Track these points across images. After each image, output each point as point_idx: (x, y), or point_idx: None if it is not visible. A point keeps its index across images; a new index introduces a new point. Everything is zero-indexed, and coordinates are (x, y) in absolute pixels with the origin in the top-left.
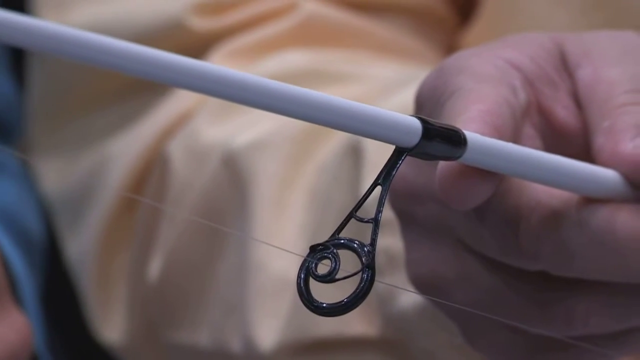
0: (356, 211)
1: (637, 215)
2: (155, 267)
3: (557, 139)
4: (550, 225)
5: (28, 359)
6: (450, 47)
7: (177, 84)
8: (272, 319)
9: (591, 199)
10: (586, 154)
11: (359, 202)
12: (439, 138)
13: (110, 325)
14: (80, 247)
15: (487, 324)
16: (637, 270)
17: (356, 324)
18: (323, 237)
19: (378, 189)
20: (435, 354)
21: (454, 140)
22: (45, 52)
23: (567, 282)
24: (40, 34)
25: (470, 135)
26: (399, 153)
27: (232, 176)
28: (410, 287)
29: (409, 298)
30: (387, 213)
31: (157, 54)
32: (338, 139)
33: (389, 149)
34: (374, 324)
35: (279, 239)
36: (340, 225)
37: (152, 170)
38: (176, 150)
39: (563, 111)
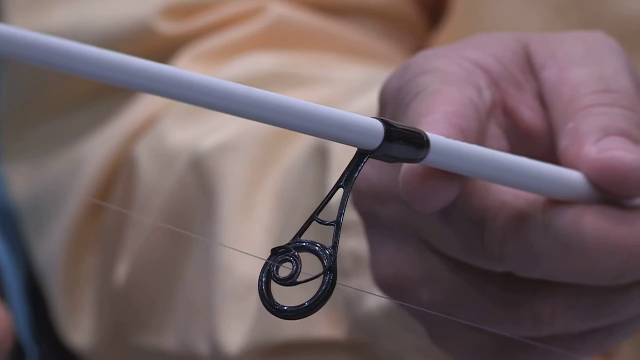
0: (318, 214)
1: (603, 217)
2: (122, 271)
3: (522, 139)
4: (516, 226)
5: (9, 350)
6: (419, 50)
7: (139, 88)
8: (239, 321)
9: (557, 201)
10: (551, 154)
11: (321, 204)
12: (402, 140)
13: (78, 329)
14: (47, 250)
15: (453, 324)
16: (602, 272)
17: (323, 326)
18: (289, 239)
19: (340, 191)
20: (401, 356)
21: (417, 142)
22: (8, 57)
23: (532, 283)
24: (5, 38)
25: (433, 137)
26: (361, 155)
27: (199, 179)
28: (375, 288)
29: (376, 300)
30: (354, 215)
31: (122, 58)
32: (305, 141)
33: (355, 151)
34: (341, 326)
35: (246, 242)
36: (302, 228)
37: (120, 173)
38: (143, 153)
39: (528, 112)
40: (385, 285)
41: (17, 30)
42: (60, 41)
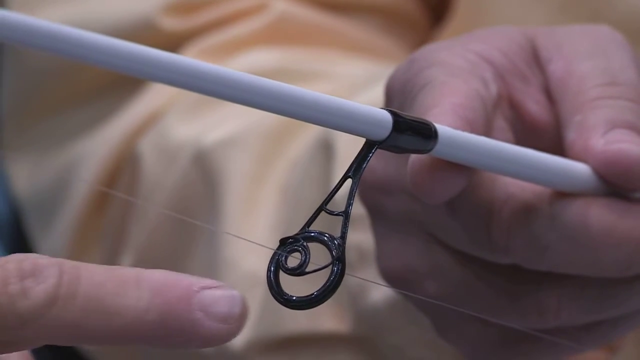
0: (326, 204)
1: (609, 210)
2: (125, 266)
3: (528, 133)
4: (522, 219)
5: None
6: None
7: (154, 77)
8: None
9: (563, 193)
10: (557, 148)
11: (329, 195)
12: (410, 131)
13: None
14: (51, 246)
15: (459, 316)
16: (608, 264)
17: (327, 320)
18: (295, 232)
19: (348, 182)
20: (404, 350)
21: (425, 133)
22: (24, 46)
23: (538, 275)
24: (17, 26)
25: (441, 128)
26: (370, 146)
27: (203, 174)
28: (381, 281)
29: (380, 293)
30: (359, 208)
31: (137, 48)
32: (309, 135)
33: (360, 144)
34: (345, 320)
35: (250, 237)
36: (311, 218)
37: (123, 169)
38: (147, 148)
39: (534, 105)
40: (391, 278)
41: (33, 19)
42: (75, 30)
